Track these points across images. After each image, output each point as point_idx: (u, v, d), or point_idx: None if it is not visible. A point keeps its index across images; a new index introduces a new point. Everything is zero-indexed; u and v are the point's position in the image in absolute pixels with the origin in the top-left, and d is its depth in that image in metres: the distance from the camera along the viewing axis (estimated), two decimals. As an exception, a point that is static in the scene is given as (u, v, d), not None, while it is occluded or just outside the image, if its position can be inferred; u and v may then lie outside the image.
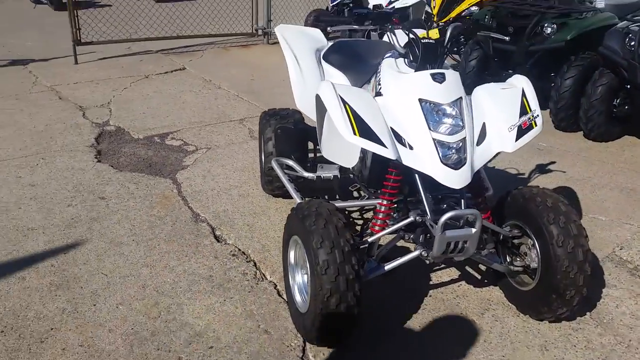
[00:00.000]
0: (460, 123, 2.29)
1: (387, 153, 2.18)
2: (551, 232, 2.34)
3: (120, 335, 2.38)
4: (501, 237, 2.58)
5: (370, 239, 2.40)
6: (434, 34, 2.48)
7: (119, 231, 3.17)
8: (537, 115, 2.38)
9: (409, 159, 2.24)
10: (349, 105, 2.24)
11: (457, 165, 2.22)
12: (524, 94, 2.44)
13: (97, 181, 3.77)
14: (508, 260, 2.62)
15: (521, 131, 2.34)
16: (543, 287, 2.42)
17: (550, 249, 2.34)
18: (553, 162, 4.36)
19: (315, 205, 2.28)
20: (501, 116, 2.38)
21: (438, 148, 2.23)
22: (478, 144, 2.33)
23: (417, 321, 2.56)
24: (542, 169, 4.23)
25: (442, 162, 2.21)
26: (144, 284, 2.72)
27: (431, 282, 2.85)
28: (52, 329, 2.40)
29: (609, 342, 2.47)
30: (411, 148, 2.26)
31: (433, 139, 2.24)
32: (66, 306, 2.54)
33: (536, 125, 2.36)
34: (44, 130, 4.66)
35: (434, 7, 7.46)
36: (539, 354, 2.39)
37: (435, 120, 2.27)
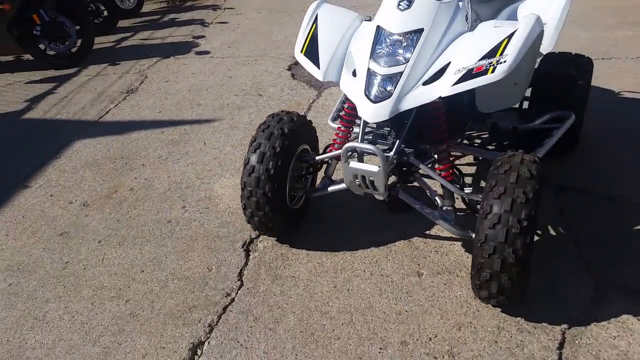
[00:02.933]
0: (408, 55, 2.13)
1: (317, 74, 2.28)
2: (484, 200, 2.01)
3: (169, 182, 3.25)
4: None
5: (317, 157, 2.53)
6: None
7: (242, 119, 3.99)
8: (503, 62, 1.95)
9: (346, 86, 2.25)
10: (316, 25, 2.38)
11: (376, 99, 2.12)
12: (510, 36, 2.02)
13: (270, 83, 4.64)
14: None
15: (469, 75, 1.99)
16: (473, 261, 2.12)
17: (478, 219, 2.03)
18: None
19: (274, 115, 2.54)
20: (463, 57, 2.07)
21: (368, 78, 2.16)
22: (427, 83, 2.12)
23: (370, 253, 2.54)
24: None
25: (364, 93, 2.15)
26: (218, 156, 3.49)
27: (428, 231, 2.69)
28: (142, 165, 3.46)
29: None
30: (355, 75, 2.25)
31: (368, 68, 2.18)
32: (162, 154, 3.56)
33: (493, 72, 1.95)
34: (279, 41, 5.76)
35: None
36: (446, 330, 2.15)
37: (380, 50, 2.18)
